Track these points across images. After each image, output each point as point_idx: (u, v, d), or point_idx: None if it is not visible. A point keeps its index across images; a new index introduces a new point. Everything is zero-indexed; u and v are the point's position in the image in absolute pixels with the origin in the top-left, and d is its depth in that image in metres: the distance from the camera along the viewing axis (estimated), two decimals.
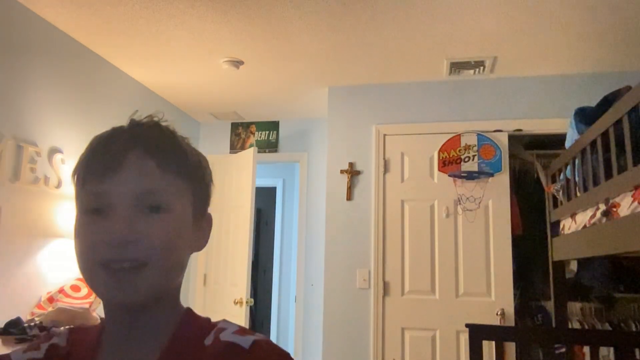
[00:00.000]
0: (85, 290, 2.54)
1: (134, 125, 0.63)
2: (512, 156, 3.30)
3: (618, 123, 1.84)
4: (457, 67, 3.16)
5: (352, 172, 3.40)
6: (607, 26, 2.60)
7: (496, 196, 3.17)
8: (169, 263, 0.60)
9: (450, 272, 3.16)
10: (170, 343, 0.62)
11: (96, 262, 0.57)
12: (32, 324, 2.19)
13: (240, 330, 0.62)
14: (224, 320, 0.65)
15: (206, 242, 0.68)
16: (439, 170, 3.26)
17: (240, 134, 4.39)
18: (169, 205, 0.60)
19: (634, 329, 3.05)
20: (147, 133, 0.62)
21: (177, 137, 0.65)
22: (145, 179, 0.59)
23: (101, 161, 0.59)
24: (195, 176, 0.65)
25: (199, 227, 0.66)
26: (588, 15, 2.50)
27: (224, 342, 0.60)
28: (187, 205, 0.63)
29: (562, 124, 2.85)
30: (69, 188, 2.75)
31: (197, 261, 4.25)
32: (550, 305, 2.99)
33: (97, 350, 0.63)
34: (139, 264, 0.57)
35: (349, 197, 3.38)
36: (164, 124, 0.65)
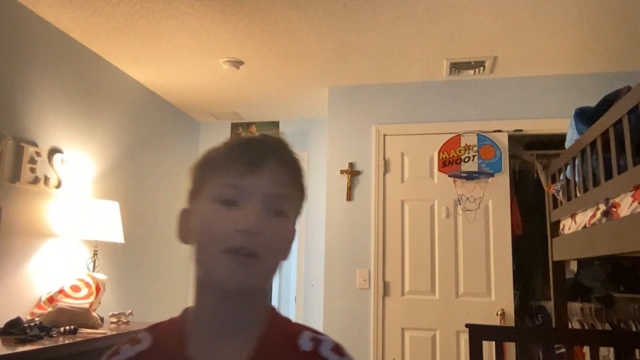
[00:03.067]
0: (85, 290, 2.54)
1: (268, 138, 0.71)
2: (512, 156, 3.30)
3: (618, 123, 1.84)
4: (457, 67, 3.16)
5: (352, 172, 3.40)
6: (607, 26, 2.60)
7: (496, 196, 3.17)
8: (275, 262, 0.67)
9: (450, 272, 3.16)
10: (263, 339, 0.66)
11: (222, 248, 0.62)
12: (32, 324, 2.19)
13: (337, 348, 0.69)
14: (308, 327, 0.72)
15: (290, 253, 0.72)
16: (439, 170, 3.26)
17: (240, 134, 4.39)
18: (288, 212, 0.68)
19: (634, 329, 3.05)
20: (281, 147, 0.70)
21: (299, 158, 0.73)
22: (277, 185, 0.66)
23: (244, 161, 0.66)
24: (304, 192, 0.73)
25: (293, 237, 0.73)
26: (588, 15, 2.50)
27: (324, 357, 0.66)
28: (294, 215, 0.71)
29: (562, 124, 2.85)
30: (69, 188, 2.75)
31: None
32: (550, 305, 2.99)
33: (184, 346, 0.66)
34: (255, 255, 0.63)
35: (349, 197, 3.38)
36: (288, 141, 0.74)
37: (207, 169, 0.68)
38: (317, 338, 0.68)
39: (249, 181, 0.64)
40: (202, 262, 0.65)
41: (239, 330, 0.66)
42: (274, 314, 0.71)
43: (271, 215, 0.65)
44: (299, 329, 0.70)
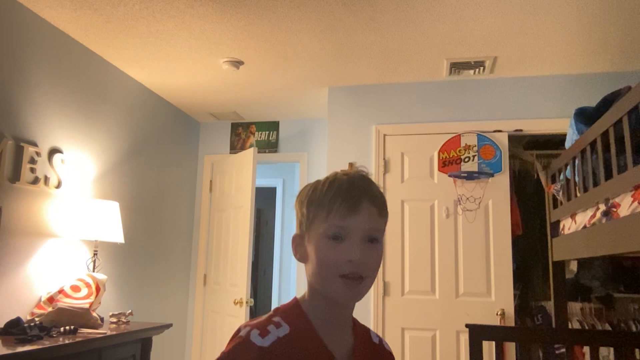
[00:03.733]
0: (85, 290, 2.55)
1: (361, 179, 0.88)
2: (512, 156, 3.30)
3: (618, 123, 1.84)
4: (457, 67, 3.16)
5: None
6: (607, 26, 2.60)
7: (496, 196, 3.17)
8: (374, 279, 0.86)
9: (450, 272, 3.16)
10: (356, 334, 0.89)
11: (336, 274, 0.82)
12: (32, 324, 2.19)
13: (387, 344, 0.97)
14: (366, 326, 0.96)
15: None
16: (439, 170, 3.27)
17: (240, 134, 4.39)
18: (379, 238, 0.86)
19: (634, 329, 3.05)
20: (371, 187, 0.87)
21: (380, 189, 0.90)
22: (371, 221, 0.84)
23: (346, 205, 0.84)
24: (387, 217, 0.90)
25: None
26: (588, 15, 2.50)
27: (387, 350, 0.96)
28: (383, 236, 0.89)
29: (562, 124, 2.85)
30: (69, 188, 2.75)
31: (197, 261, 4.25)
32: (550, 305, 2.99)
33: (317, 333, 0.84)
34: (363, 278, 0.82)
35: None
36: (370, 177, 0.91)
37: (314, 208, 0.86)
38: (377, 335, 0.97)
39: (351, 221, 0.83)
40: (321, 283, 0.84)
41: (342, 325, 0.88)
42: (352, 314, 0.92)
43: (368, 244, 0.83)
44: (366, 327, 0.95)
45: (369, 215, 0.84)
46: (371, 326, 3.17)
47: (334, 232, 0.83)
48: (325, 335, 0.84)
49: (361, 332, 0.92)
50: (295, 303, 0.88)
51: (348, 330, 0.89)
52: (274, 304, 5.24)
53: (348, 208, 0.83)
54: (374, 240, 0.85)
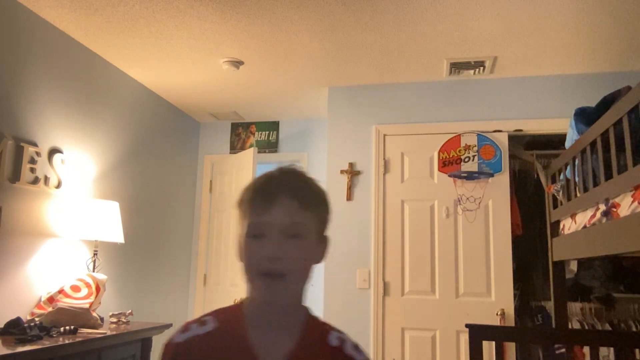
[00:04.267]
0: (85, 290, 2.55)
1: (283, 173, 0.86)
2: (512, 156, 3.30)
3: (618, 123, 1.84)
4: (457, 67, 3.16)
5: (352, 172, 3.40)
6: (607, 26, 2.60)
7: (496, 196, 3.17)
8: (301, 274, 0.83)
9: (450, 272, 3.16)
10: (303, 335, 0.83)
11: (257, 273, 0.80)
12: (32, 324, 2.19)
13: (356, 347, 0.86)
14: (333, 326, 0.88)
15: (324, 256, 0.89)
16: (439, 170, 3.26)
17: (240, 134, 4.39)
18: (303, 233, 0.82)
19: (634, 329, 3.05)
20: (291, 180, 0.85)
21: (310, 181, 0.87)
22: (290, 215, 0.81)
23: (261, 200, 0.82)
24: (320, 208, 0.87)
25: (321, 245, 0.88)
26: (588, 15, 2.50)
27: (347, 354, 0.84)
28: (314, 231, 0.85)
29: (562, 124, 2.85)
30: (69, 188, 2.75)
31: (197, 261, 4.25)
32: (550, 305, 2.99)
33: (246, 333, 0.82)
34: (282, 275, 0.79)
35: (349, 197, 3.38)
36: (300, 170, 0.88)
37: (240, 208, 0.86)
38: (342, 337, 0.87)
39: (267, 217, 0.81)
40: (248, 282, 0.83)
41: (283, 326, 0.83)
42: (308, 313, 0.88)
43: (289, 239, 0.80)
44: (328, 328, 0.88)
45: (286, 210, 0.81)
46: (371, 326, 3.17)
47: (252, 230, 0.81)
48: (257, 337, 0.81)
49: (314, 334, 0.85)
50: (239, 303, 0.87)
51: (292, 332, 0.83)
52: None
53: (263, 204, 0.81)
54: (296, 236, 0.81)
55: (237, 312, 0.85)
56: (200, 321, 0.85)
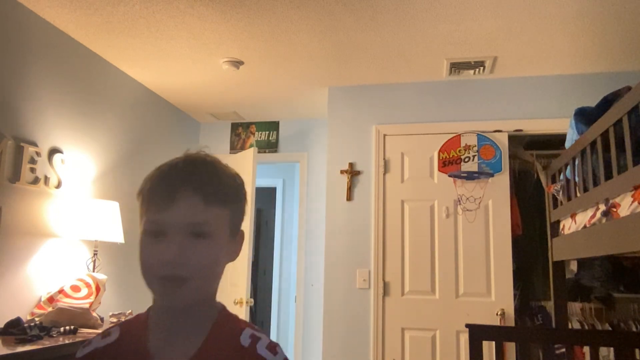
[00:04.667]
0: (85, 290, 2.54)
1: (187, 163, 0.76)
2: (512, 156, 3.30)
3: (618, 123, 1.84)
4: (457, 67, 3.16)
5: (352, 172, 3.40)
6: (607, 26, 2.60)
7: (496, 196, 3.17)
8: (208, 277, 0.75)
9: (450, 272, 3.16)
10: (209, 337, 0.76)
11: (154, 276, 0.72)
12: (32, 324, 2.19)
13: (272, 346, 0.77)
14: (250, 324, 0.81)
15: (238, 253, 0.81)
16: (439, 170, 3.26)
17: (240, 134, 4.39)
18: (210, 231, 0.74)
19: (634, 329, 3.05)
20: (196, 172, 0.75)
21: (219, 171, 0.78)
22: (192, 212, 0.72)
23: (161, 196, 0.73)
24: (232, 201, 0.79)
25: (234, 242, 0.80)
26: (588, 15, 2.50)
27: (259, 355, 0.75)
28: (225, 227, 0.77)
29: (562, 124, 2.85)
30: (69, 188, 2.75)
31: None
32: (550, 305, 2.99)
33: (146, 340, 0.76)
34: (184, 279, 0.71)
35: (349, 197, 3.38)
36: (209, 159, 0.78)
37: (140, 201, 0.77)
38: (255, 335, 0.77)
39: (167, 214, 0.72)
40: (146, 285, 0.74)
41: (187, 332, 0.75)
42: (222, 314, 0.80)
43: (192, 239, 0.72)
44: (242, 326, 0.79)
45: (188, 207, 0.72)
46: (371, 326, 3.17)
47: (151, 227, 0.74)
48: (157, 344, 0.75)
49: (223, 334, 0.77)
50: (148, 308, 0.81)
51: (197, 335, 0.75)
52: (274, 304, 5.24)
53: (163, 198, 0.72)
54: (202, 236, 0.72)
55: (140, 320, 0.79)
56: (105, 333, 0.81)
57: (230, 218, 0.77)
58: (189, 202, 0.72)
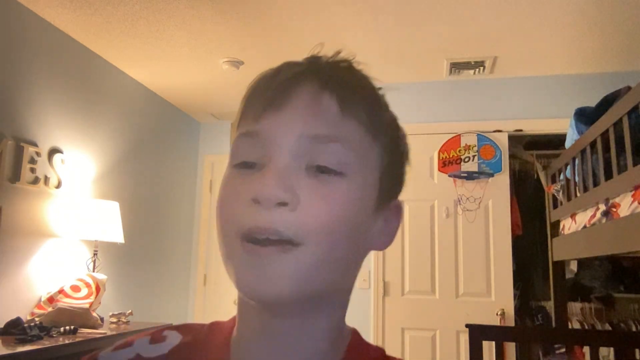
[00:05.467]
0: (85, 290, 2.54)
1: (314, 58, 0.47)
2: (512, 156, 3.30)
3: (618, 123, 1.84)
4: (457, 67, 3.16)
5: None
6: (607, 26, 2.60)
7: (496, 196, 3.17)
8: (334, 252, 0.42)
9: (450, 272, 3.16)
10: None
11: (236, 234, 0.41)
12: (32, 324, 2.19)
13: None
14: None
15: (392, 240, 0.50)
16: (439, 170, 3.26)
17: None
18: (347, 166, 0.43)
19: (634, 329, 3.05)
20: (330, 67, 0.46)
21: (371, 81, 0.51)
22: (317, 122, 0.43)
23: (261, 96, 0.44)
24: (391, 138, 0.51)
25: (384, 217, 0.48)
26: (588, 15, 2.50)
27: None
28: (374, 175, 0.46)
29: (562, 124, 2.85)
30: (69, 188, 2.75)
31: (197, 261, 4.24)
32: (550, 305, 2.99)
33: (229, 354, 0.48)
34: (288, 243, 0.40)
35: None
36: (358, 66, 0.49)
37: (236, 121, 0.48)
38: None
39: (267, 123, 0.43)
40: (224, 261, 0.43)
41: (296, 344, 0.45)
42: (355, 344, 0.52)
43: (314, 174, 0.42)
44: (373, 353, 0.53)
45: (309, 111, 0.43)
46: (371, 326, 3.17)
47: (241, 148, 0.44)
48: (254, 356, 0.46)
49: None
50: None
51: (315, 353, 0.46)
52: None
53: (264, 100, 0.44)
54: (329, 170, 0.42)
55: (218, 334, 0.52)
56: (155, 335, 0.56)
57: (383, 163, 0.48)
58: (313, 104, 0.43)
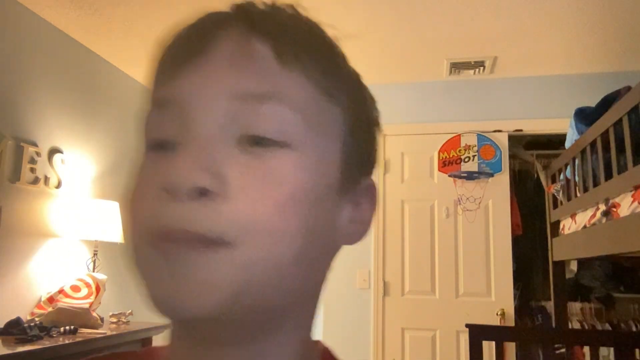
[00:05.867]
0: (85, 290, 2.54)
1: (243, 3, 0.35)
2: (512, 156, 3.30)
3: (618, 123, 1.84)
4: (457, 67, 3.16)
5: None
6: (607, 26, 2.60)
7: (496, 196, 3.17)
8: (283, 252, 0.31)
9: (450, 272, 3.16)
10: None
11: (146, 238, 0.32)
12: (32, 324, 2.19)
13: None
14: None
15: (366, 229, 0.39)
16: (439, 170, 3.26)
17: None
18: (294, 134, 0.32)
19: (634, 329, 3.05)
20: (263, 10, 0.35)
21: (321, 27, 0.40)
22: (246, 75, 0.32)
23: (173, 53, 0.35)
24: (354, 98, 0.39)
25: (353, 201, 0.38)
26: (588, 15, 2.50)
27: None
28: (334, 147, 0.35)
29: (562, 124, 2.85)
30: (69, 188, 2.75)
31: None
32: (550, 305, 2.99)
33: None
34: (216, 243, 0.30)
35: None
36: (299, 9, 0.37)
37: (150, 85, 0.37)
38: None
39: (181, 85, 0.33)
40: (136, 272, 0.36)
41: None
42: (324, 351, 0.40)
43: (249, 147, 0.32)
44: None
45: (235, 62, 0.33)
46: (371, 326, 3.17)
47: (152, 127, 0.37)
48: None
49: None
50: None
51: None
52: None
53: (180, 56, 0.34)
54: (272, 144, 0.32)
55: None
56: None
57: (346, 131, 0.37)
58: (242, 52, 0.33)
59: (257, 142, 0.32)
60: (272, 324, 0.34)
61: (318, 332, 3.60)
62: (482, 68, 3.16)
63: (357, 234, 0.39)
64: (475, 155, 3.22)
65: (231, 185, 0.31)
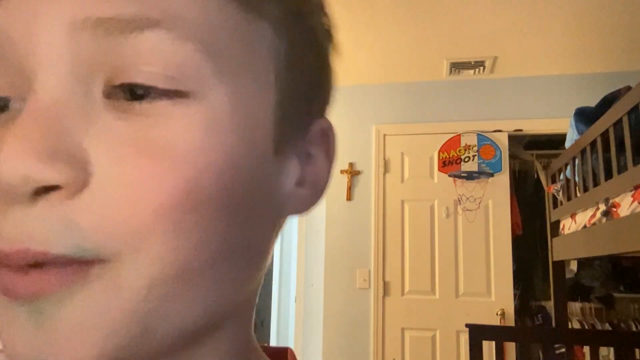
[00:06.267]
0: None
1: None
2: (512, 156, 3.30)
3: (618, 123, 1.84)
4: (457, 67, 3.16)
5: (352, 172, 3.40)
6: (607, 26, 2.60)
7: (496, 196, 3.17)
8: (194, 252, 0.21)
9: (450, 272, 3.16)
10: None
11: None
12: None
13: None
14: None
15: (322, 190, 0.30)
16: (439, 170, 3.26)
17: None
18: (193, 77, 0.21)
19: (634, 329, 3.05)
20: None
21: None
22: None
23: None
24: (289, 8, 0.26)
25: (299, 152, 0.29)
26: (588, 15, 2.50)
27: None
28: (262, 86, 0.24)
29: (562, 124, 2.85)
30: None
31: None
32: (550, 305, 2.99)
33: None
34: (87, 261, 0.20)
35: (349, 197, 3.38)
36: None
37: None
38: None
39: (8, 12, 0.20)
40: None
41: None
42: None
43: (116, 107, 0.21)
44: None
45: None
46: (371, 326, 3.17)
47: None
48: None
49: None
50: None
51: None
52: (274, 304, 5.23)
53: None
54: (157, 95, 0.20)
55: None
56: None
57: (277, 56, 0.25)
58: None
59: (134, 95, 0.20)
60: (197, 341, 0.25)
61: (318, 332, 3.61)
62: (482, 68, 3.16)
63: (308, 200, 0.28)
64: (475, 155, 3.22)
65: (96, 171, 0.20)
